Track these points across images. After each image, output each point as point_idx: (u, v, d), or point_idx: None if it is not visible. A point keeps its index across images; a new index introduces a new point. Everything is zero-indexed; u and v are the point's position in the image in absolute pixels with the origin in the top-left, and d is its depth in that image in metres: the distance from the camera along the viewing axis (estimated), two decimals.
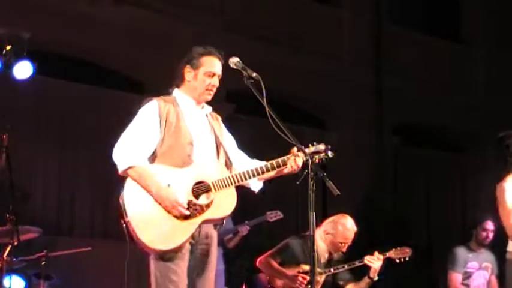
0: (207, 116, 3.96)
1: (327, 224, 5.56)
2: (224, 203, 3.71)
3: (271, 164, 3.79)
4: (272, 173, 3.83)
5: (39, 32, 7.23)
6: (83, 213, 8.08)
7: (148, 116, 3.77)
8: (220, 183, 3.69)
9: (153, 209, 3.60)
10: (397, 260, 5.54)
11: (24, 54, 6.54)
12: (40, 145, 7.84)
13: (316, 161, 3.69)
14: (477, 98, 11.25)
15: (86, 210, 8.09)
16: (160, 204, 3.62)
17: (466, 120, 11.19)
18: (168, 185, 3.63)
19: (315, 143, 3.86)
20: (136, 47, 8.23)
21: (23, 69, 6.57)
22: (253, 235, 6.94)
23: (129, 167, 3.65)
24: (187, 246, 3.66)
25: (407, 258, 5.54)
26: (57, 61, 7.77)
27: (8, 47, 6.34)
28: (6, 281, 5.54)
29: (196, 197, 3.65)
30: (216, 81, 3.87)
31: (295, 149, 3.77)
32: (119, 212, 3.65)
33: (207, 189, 3.68)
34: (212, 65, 3.87)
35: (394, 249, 5.54)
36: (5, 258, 5.29)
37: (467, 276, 6.73)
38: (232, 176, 3.74)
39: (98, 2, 7.97)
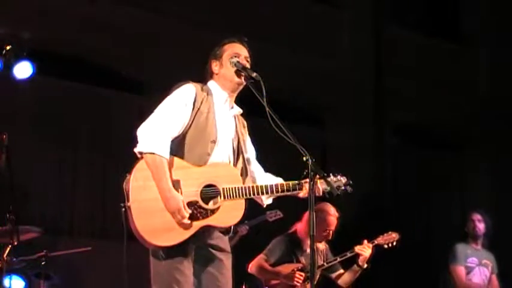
0: (234, 118, 3.87)
1: (309, 215, 5.58)
2: (230, 213, 3.61)
3: (287, 185, 3.72)
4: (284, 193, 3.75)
5: (39, 32, 7.23)
6: (83, 213, 8.09)
7: (184, 99, 3.66)
8: (230, 192, 3.60)
9: (158, 201, 3.50)
10: (386, 246, 5.59)
11: (24, 54, 6.54)
12: (40, 145, 7.84)
13: (334, 194, 3.67)
14: (477, 98, 11.25)
15: (86, 210, 8.10)
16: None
17: (465, 120, 11.18)
18: (179, 181, 3.55)
19: (336, 175, 3.83)
20: (136, 47, 8.23)
21: (23, 69, 6.58)
22: (253, 234, 6.93)
23: (151, 153, 3.52)
24: (192, 245, 3.58)
25: (394, 243, 5.58)
26: (57, 61, 7.77)
27: (8, 47, 6.34)
28: (6, 281, 5.55)
29: (204, 199, 3.57)
30: (242, 60, 3.76)
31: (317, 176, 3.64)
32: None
33: (216, 195, 3.60)
34: (234, 48, 3.81)
35: (381, 236, 5.59)
36: (5, 258, 5.29)
37: (468, 271, 6.81)
38: (244, 188, 3.64)
39: (98, 2, 7.97)
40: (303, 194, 3.72)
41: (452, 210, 11.04)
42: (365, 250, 5.47)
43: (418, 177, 10.77)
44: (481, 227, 6.84)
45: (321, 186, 3.73)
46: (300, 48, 9.56)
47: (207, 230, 3.62)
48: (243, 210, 3.66)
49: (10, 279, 5.76)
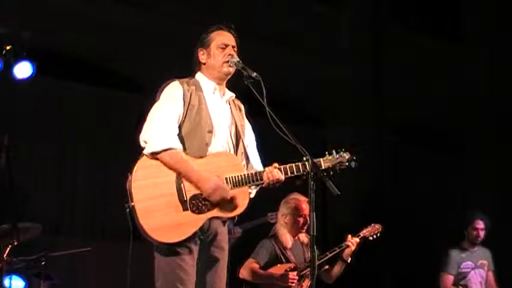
0: (229, 104, 3.85)
1: (281, 208, 5.70)
2: (235, 202, 3.61)
3: (291, 167, 3.70)
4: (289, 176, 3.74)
5: (39, 32, 7.22)
6: (83, 213, 8.08)
7: (174, 97, 3.65)
8: (234, 180, 3.59)
9: (162, 198, 3.51)
10: (370, 238, 5.69)
11: (24, 54, 6.53)
12: (40, 145, 7.84)
13: (337, 170, 3.68)
14: (477, 98, 11.25)
15: (86, 210, 8.09)
16: (199, 187, 3.50)
17: (466, 120, 11.18)
18: (179, 175, 3.53)
19: (338, 151, 3.82)
20: (136, 47, 8.22)
21: (23, 69, 6.57)
22: (253, 236, 6.91)
23: (167, 149, 3.52)
24: (195, 241, 3.59)
25: (378, 235, 5.69)
26: (57, 61, 7.76)
27: (8, 47, 6.33)
28: (6, 281, 5.55)
29: None
30: (230, 51, 3.76)
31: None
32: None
33: None
34: (222, 37, 3.80)
35: (365, 228, 5.70)
36: (5, 258, 5.29)
37: (462, 277, 6.79)
38: (247, 175, 3.64)
39: (98, 2, 7.96)
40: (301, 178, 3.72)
41: (452, 210, 11.05)
42: (353, 243, 5.53)
43: (418, 177, 10.78)
44: (482, 234, 6.79)
45: (324, 164, 3.74)
46: (300, 48, 9.55)
47: (212, 223, 3.61)
48: (248, 197, 3.66)
49: (10, 279, 5.75)
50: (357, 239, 5.58)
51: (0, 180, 5.25)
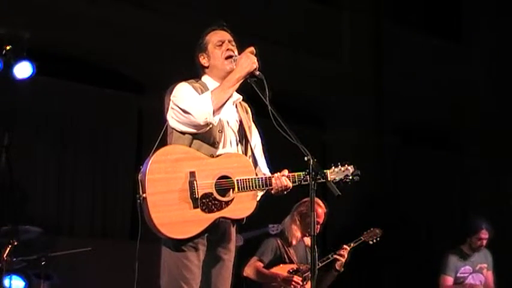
0: (236, 106, 3.85)
1: (298, 206, 5.67)
2: (243, 205, 3.62)
3: (298, 175, 3.68)
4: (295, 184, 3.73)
5: (39, 32, 7.22)
6: (83, 213, 8.08)
7: (190, 89, 3.66)
8: (244, 183, 3.59)
9: (174, 193, 3.51)
10: (370, 242, 5.71)
11: (24, 54, 6.53)
12: (40, 145, 7.84)
13: (342, 183, 3.70)
14: (476, 98, 11.25)
15: (86, 210, 8.09)
16: None
17: (466, 120, 11.19)
18: (194, 172, 3.54)
19: (344, 164, 3.79)
20: (136, 47, 8.22)
21: (23, 69, 6.56)
22: (254, 246, 6.87)
23: (210, 123, 3.55)
24: (203, 241, 3.59)
25: (378, 239, 5.70)
26: (57, 61, 7.77)
27: (8, 47, 6.33)
28: (6, 281, 5.55)
29: (218, 191, 3.56)
30: (228, 46, 3.77)
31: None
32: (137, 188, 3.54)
33: (231, 187, 3.59)
34: (216, 35, 3.81)
35: (365, 233, 5.71)
36: (5, 258, 5.30)
37: (460, 281, 6.77)
38: (257, 179, 3.63)
39: (98, 2, 7.96)
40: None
41: (453, 210, 11.05)
42: (342, 255, 5.54)
43: (418, 177, 10.78)
44: (485, 243, 6.77)
45: (331, 176, 3.76)
46: (300, 48, 9.55)
47: (221, 224, 3.62)
48: (256, 201, 3.66)
49: (10, 279, 5.76)
50: (347, 248, 5.57)
51: (0, 180, 5.25)
